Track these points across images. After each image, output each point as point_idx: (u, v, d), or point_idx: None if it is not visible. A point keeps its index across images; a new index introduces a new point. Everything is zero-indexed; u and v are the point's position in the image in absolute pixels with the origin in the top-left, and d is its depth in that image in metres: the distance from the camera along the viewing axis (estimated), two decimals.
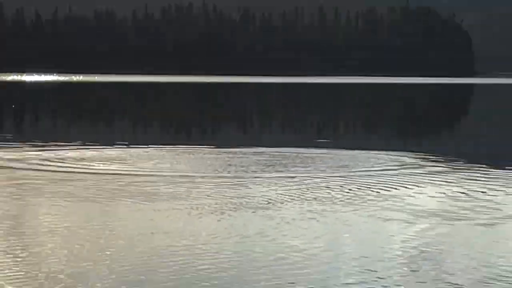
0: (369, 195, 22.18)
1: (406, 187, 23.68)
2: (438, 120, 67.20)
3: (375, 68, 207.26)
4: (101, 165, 29.23)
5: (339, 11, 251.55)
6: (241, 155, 32.55)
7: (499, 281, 13.20)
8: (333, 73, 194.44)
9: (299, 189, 23.09)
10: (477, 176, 26.46)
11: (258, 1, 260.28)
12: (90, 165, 28.88)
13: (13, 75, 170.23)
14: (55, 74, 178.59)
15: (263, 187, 23.49)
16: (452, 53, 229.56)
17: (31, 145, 36.38)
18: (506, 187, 23.96)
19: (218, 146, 37.26)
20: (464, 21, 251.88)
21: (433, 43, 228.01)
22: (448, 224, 18.36)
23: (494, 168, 28.82)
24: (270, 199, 21.22)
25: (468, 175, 26.77)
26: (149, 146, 36.83)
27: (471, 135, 51.26)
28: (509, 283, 13.08)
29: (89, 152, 33.51)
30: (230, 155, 32.57)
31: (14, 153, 32.70)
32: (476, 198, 21.82)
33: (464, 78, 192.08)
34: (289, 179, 25.12)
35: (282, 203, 20.67)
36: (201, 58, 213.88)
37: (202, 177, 25.76)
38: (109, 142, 38.47)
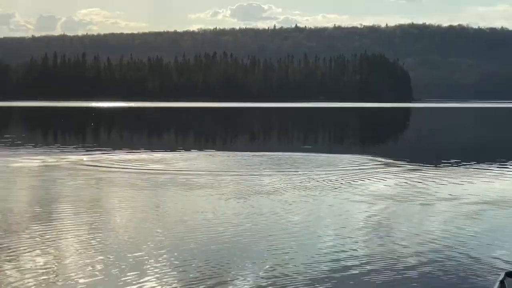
0: (343, 184, 22.48)
1: (368, 179, 23.84)
2: (386, 132, 66.75)
3: (343, 96, 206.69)
4: (152, 164, 29.06)
5: (318, 56, 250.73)
6: (251, 157, 32.40)
7: (430, 243, 13.52)
8: (312, 100, 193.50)
9: (295, 181, 23.25)
10: (416, 171, 26.61)
11: (261, 50, 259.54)
12: (144, 165, 28.77)
13: (96, 103, 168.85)
14: (122, 101, 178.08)
15: (270, 179, 23.61)
16: (396, 86, 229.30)
17: (104, 151, 36.09)
18: (437, 178, 24.05)
19: (234, 150, 36.77)
20: (405, 64, 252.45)
21: (382, 78, 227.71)
22: (397, 204, 18.75)
23: (428, 165, 28.91)
24: (275, 188, 21.52)
25: (410, 170, 26.84)
26: (185, 151, 36.50)
27: (410, 142, 51.05)
28: (437, 245, 13.35)
29: (143, 155, 33.33)
30: (244, 157, 32.49)
31: (94, 156, 32.49)
32: (416, 186, 22.12)
33: (404, 103, 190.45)
34: (288, 174, 25.15)
35: (284, 190, 21.01)
36: (222, 90, 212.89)
37: (225, 173, 25.69)
38: (157, 148, 38.10)
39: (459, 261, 12.16)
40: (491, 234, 14.77)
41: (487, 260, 12.15)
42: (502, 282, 8.78)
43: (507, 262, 11.78)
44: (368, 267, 11.67)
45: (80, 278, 10.80)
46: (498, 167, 28.91)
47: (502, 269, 10.91)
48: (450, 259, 12.27)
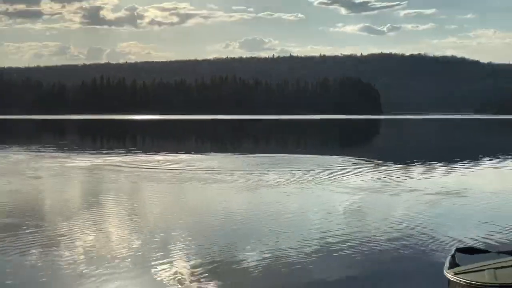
0: (331, 179, 22.41)
1: (351, 175, 23.72)
2: (364, 138, 66.81)
3: (327, 111, 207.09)
4: (178, 164, 28.98)
5: (307, 80, 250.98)
6: (256, 158, 32.35)
7: (396, 225, 13.49)
8: (305, 113, 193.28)
9: (294, 177, 23.15)
10: (387, 168, 26.43)
11: (263, 74, 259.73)
12: (171, 164, 28.66)
13: (133, 116, 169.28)
14: (154, 115, 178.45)
15: (272, 176, 23.47)
16: (368, 102, 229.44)
17: (140, 154, 36.18)
18: (403, 174, 23.95)
19: (242, 153, 36.68)
20: (375, 85, 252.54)
21: (358, 96, 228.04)
22: (371, 194, 18.69)
23: (400, 164, 28.73)
24: (277, 182, 21.44)
25: (385, 168, 26.64)
26: (201, 153, 36.60)
27: (384, 146, 51.09)
28: (401, 226, 13.31)
29: (170, 157, 33.21)
30: (249, 158, 32.41)
31: (131, 157, 32.61)
32: (386, 180, 21.99)
33: (375, 116, 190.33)
34: (287, 172, 24.99)
35: (285, 184, 20.95)
36: (232, 105, 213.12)
37: (235, 170, 25.63)
38: (181, 151, 37.97)
39: (419, 239, 12.11)
40: (445, 218, 14.74)
41: (442, 238, 12.10)
42: (453, 256, 8.75)
43: (458, 240, 11.73)
44: (347, 243, 11.64)
45: (120, 251, 10.81)
46: (451, 166, 28.77)
47: (453, 245, 10.89)
48: (412, 237, 12.23)
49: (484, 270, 7.34)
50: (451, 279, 7.51)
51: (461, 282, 7.29)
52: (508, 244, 11.33)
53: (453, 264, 8.28)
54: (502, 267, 7.29)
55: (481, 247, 10.22)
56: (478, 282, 7.03)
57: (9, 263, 10.06)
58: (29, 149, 39.68)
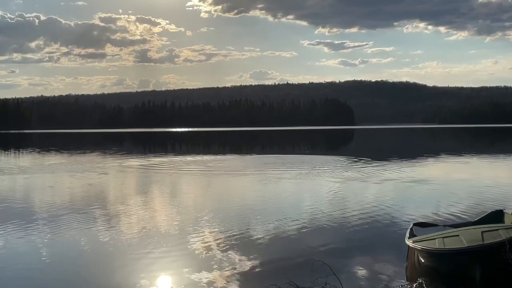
0: (325, 173, 21.92)
1: (338, 169, 23.26)
2: (344, 142, 66.24)
3: (314, 123, 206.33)
4: (207, 162, 28.69)
5: (300, 100, 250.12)
6: (266, 159, 31.81)
7: (370, 206, 13.23)
8: (299, 125, 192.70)
9: (297, 173, 22.69)
10: (372, 165, 25.61)
11: (267, 97, 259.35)
12: (201, 163, 28.27)
13: (173, 128, 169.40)
14: (188, 128, 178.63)
15: (280, 172, 22.92)
16: (345, 116, 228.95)
17: (178, 155, 36.16)
18: (380, 168, 23.41)
19: (255, 154, 36.35)
20: (350, 103, 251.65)
21: (337, 112, 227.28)
22: (359, 183, 18.39)
23: (373, 160, 27.74)
24: (284, 176, 21.03)
25: (367, 164, 25.87)
26: (222, 155, 36.39)
27: (361, 148, 50.81)
28: (374, 207, 13.03)
29: (199, 158, 32.97)
30: (261, 159, 32.08)
31: (172, 158, 32.25)
32: (372, 173, 21.48)
33: (349, 126, 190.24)
34: (293, 169, 24.58)
35: (290, 178, 20.49)
36: (244, 120, 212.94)
37: (251, 168, 25.28)
38: (208, 153, 37.62)
39: (387, 214, 11.93)
40: (411, 200, 14.52)
41: (404, 215, 11.92)
42: (411, 229, 8.71)
43: (421, 216, 11.52)
44: (331, 220, 11.50)
45: (157, 230, 10.70)
46: (414, 161, 28.48)
47: (412, 219, 10.82)
48: (381, 214, 12.06)
49: (435, 239, 7.29)
50: (411, 245, 7.47)
51: (418, 248, 7.25)
52: (451, 219, 11.19)
53: (411, 235, 8.26)
54: (448, 236, 7.23)
55: (431, 222, 10.12)
56: (431, 247, 7.00)
57: (82, 236, 10.04)
58: (96, 153, 39.75)
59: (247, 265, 7.98)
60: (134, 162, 30.52)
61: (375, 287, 6.69)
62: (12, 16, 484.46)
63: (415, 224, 9.23)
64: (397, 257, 8.19)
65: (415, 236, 8.24)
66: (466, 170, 23.96)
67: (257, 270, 7.74)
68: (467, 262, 6.50)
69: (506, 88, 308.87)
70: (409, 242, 7.63)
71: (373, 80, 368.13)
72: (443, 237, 7.23)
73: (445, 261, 6.87)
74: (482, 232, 6.86)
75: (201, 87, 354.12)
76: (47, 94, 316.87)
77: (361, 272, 7.47)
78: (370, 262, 7.90)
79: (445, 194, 15.48)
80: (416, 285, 6.75)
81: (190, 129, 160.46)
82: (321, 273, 6.74)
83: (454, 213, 12.02)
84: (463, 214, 11.78)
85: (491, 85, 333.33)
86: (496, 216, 9.12)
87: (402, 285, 6.81)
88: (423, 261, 7.45)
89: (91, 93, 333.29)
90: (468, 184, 18.05)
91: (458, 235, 7.09)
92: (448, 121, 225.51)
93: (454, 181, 19.25)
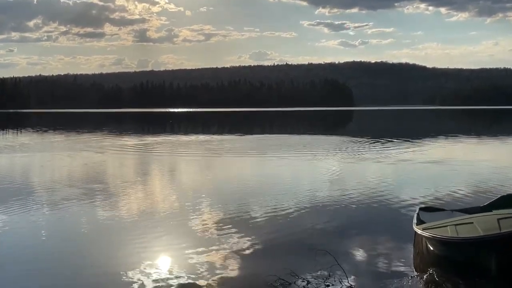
0: (328, 153, 21.30)
1: (340, 148, 22.51)
2: (345, 122, 65.65)
3: (313, 104, 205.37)
4: (202, 142, 28.19)
5: (299, 81, 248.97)
6: (263, 139, 31.10)
7: (373, 187, 12.59)
8: (298, 106, 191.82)
9: (302, 154, 22.23)
10: (369, 143, 24.79)
11: (266, 78, 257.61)
12: (198, 142, 27.76)
13: (171, 109, 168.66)
14: (186, 108, 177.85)
15: (285, 155, 22.51)
16: (344, 97, 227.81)
17: (176, 135, 35.81)
18: (388, 148, 22.63)
19: (254, 134, 35.46)
20: (349, 84, 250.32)
21: (336, 93, 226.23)
22: (359, 163, 17.73)
23: (375, 138, 26.51)
24: (299, 155, 20.72)
25: (366, 143, 24.90)
26: (221, 135, 35.83)
27: (358, 127, 50.25)
28: (379, 189, 12.42)
29: (194, 137, 32.50)
30: (258, 139, 31.33)
31: (170, 138, 31.83)
32: (376, 154, 20.94)
33: (348, 107, 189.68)
34: (289, 148, 24.17)
35: (304, 157, 20.18)
36: (243, 101, 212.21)
37: (265, 149, 24.66)
38: (206, 133, 37.08)
39: (392, 196, 11.37)
40: (419, 182, 13.93)
41: (412, 198, 11.34)
42: (418, 214, 8.29)
43: (430, 199, 11.07)
44: (334, 202, 10.97)
45: (163, 207, 10.33)
46: (417, 142, 27.54)
47: (421, 202, 10.38)
48: (389, 198, 11.48)
49: (447, 226, 6.81)
50: (420, 233, 6.99)
51: (429, 236, 6.78)
52: (460, 203, 10.72)
53: (419, 221, 7.80)
54: (461, 224, 6.73)
55: (438, 206, 9.65)
56: (442, 236, 6.53)
57: (83, 214, 9.57)
58: (95, 133, 39.31)
59: (249, 250, 7.48)
60: (131, 140, 30.25)
61: (383, 278, 6.20)
62: None
63: (421, 209, 8.76)
64: (403, 243, 7.71)
65: (422, 221, 7.76)
66: (485, 152, 23.43)
67: (258, 256, 7.27)
68: (483, 251, 6.03)
69: (506, 70, 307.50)
70: (418, 229, 7.14)
71: (373, 61, 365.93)
72: (455, 225, 6.72)
73: (458, 250, 6.40)
74: (498, 219, 6.35)
75: (200, 67, 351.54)
76: (45, 73, 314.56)
77: (366, 260, 6.98)
78: (376, 249, 7.42)
79: (462, 176, 15.00)
80: (427, 275, 6.26)
81: (189, 110, 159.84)
82: (324, 262, 6.29)
83: (466, 196, 11.54)
84: (472, 198, 11.30)
85: (491, 67, 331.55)
86: (507, 201, 8.63)
87: (411, 276, 6.32)
88: (433, 249, 6.97)
89: (89, 72, 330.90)
90: (487, 166, 17.53)
91: (472, 223, 6.58)
92: (448, 102, 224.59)
93: (475, 162, 18.65)
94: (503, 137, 33.69)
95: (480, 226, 6.32)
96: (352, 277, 6.12)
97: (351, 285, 5.89)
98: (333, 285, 5.87)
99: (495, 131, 42.59)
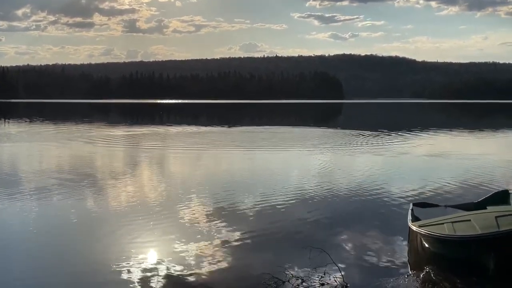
0: (325, 145, 21.36)
1: (333, 139, 22.52)
2: (336, 116, 65.49)
3: (302, 96, 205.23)
4: (191, 133, 27.69)
5: (288, 73, 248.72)
6: (254, 132, 30.75)
7: (367, 180, 12.45)
8: (287, 98, 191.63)
9: (300, 147, 22.08)
10: (361, 136, 24.80)
11: (256, 70, 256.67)
12: (187, 133, 27.29)
13: (160, 100, 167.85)
14: (175, 99, 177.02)
15: (284, 147, 22.35)
16: (334, 90, 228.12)
17: (167, 126, 35.42)
18: (385, 140, 22.62)
19: (245, 125, 35.02)
20: (338, 77, 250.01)
21: (326, 85, 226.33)
22: (351, 155, 17.64)
23: (370, 131, 26.84)
24: (289, 148, 20.71)
25: (356, 136, 25.07)
26: (210, 126, 35.58)
27: (349, 120, 50.11)
28: (372, 181, 12.27)
29: (184, 129, 32.22)
30: (250, 131, 30.92)
31: (160, 129, 31.55)
32: (375, 145, 20.85)
33: (338, 100, 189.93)
34: (283, 140, 24.04)
35: (294, 150, 20.09)
36: (233, 93, 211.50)
37: (258, 143, 24.40)
38: (196, 124, 36.47)
39: (384, 190, 11.23)
40: (411, 175, 13.86)
41: (405, 193, 11.21)
42: (412, 210, 8.15)
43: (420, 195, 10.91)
44: (325, 189, 10.84)
45: (155, 196, 10.02)
46: (410, 135, 27.79)
47: (415, 195, 10.23)
48: (383, 192, 11.36)
49: (443, 223, 6.65)
50: (417, 231, 6.82)
51: (425, 234, 6.62)
52: (452, 198, 10.61)
53: (414, 218, 7.65)
54: (458, 221, 6.58)
55: (431, 202, 9.51)
56: (439, 233, 6.37)
57: (72, 206, 9.30)
58: (83, 123, 38.85)
59: (242, 248, 7.26)
60: (119, 131, 29.97)
61: (379, 277, 6.04)
62: None
63: (414, 205, 8.63)
64: (398, 239, 7.54)
65: (417, 218, 7.61)
66: (479, 146, 23.37)
67: (252, 253, 7.05)
68: (481, 250, 5.89)
69: (495, 64, 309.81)
70: (413, 226, 6.98)
71: (363, 54, 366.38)
72: (452, 222, 6.58)
73: (455, 248, 6.25)
74: (496, 217, 6.21)
75: (190, 58, 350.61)
76: (33, 63, 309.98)
77: (362, 257, 6.80)
78: (371, 246, 7.25)
79: (455, 169, 14.94)
80: (423, 274, 6.11)
81: (178, 101, 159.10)
82: (319, 260, 6.12)
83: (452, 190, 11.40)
84: (465, 192, 11.19)
85: (480, 61, 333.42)
86: (502, 197, 8.53)
87: (407, 274, 6.17)
88: (429, 247, 6.82)
89: (78, 62, 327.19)
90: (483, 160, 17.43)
91: (469, 220, 6.44)
92: (437, 96, 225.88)
93: (471, 156, 18.61)
94: (491, 131, 33.87)
95: (478, 224, 6.18)
96: (347, 275, 5.96)
97: (346, 283, 5.73)
98: (328, 283, 5.71)
99: (484, 124, 42.77)
